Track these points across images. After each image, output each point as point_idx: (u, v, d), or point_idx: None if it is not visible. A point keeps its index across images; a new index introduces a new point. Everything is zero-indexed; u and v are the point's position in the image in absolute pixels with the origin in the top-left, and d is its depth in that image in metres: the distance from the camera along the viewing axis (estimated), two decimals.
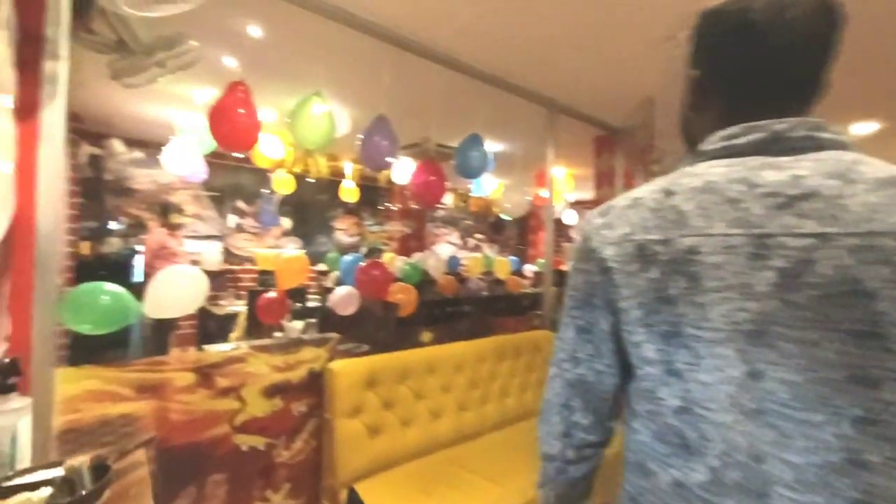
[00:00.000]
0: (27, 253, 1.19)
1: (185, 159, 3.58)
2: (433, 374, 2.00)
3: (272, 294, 2.77)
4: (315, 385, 1.76)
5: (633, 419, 0.57)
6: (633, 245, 0.51)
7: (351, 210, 6.22)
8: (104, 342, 3.72)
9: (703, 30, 0.55)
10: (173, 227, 3.66)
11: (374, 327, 2.62)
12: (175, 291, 1.84)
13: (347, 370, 1.72)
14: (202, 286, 1.93)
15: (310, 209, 5.82)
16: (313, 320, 2.33)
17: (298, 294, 3.17)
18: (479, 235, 7.97)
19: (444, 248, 7.39)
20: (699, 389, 0.48)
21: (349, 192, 5.37)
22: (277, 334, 2.17)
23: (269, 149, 4.10)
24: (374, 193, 6.41)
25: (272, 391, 1.65)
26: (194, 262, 4.74)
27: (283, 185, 4.75)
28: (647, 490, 0.53)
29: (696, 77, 0.57)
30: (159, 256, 3.49)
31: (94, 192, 4.35)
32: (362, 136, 2.04)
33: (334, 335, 2.39)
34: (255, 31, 2.12)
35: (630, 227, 0.52)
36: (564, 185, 5.04)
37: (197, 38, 2.17)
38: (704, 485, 0.47)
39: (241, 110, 1.64)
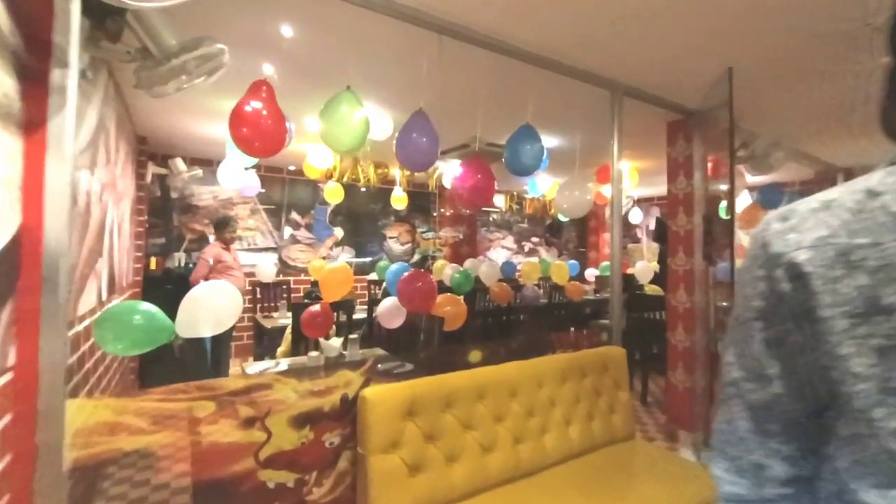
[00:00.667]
0: (34, 272, 1.10)
1: (238, 174, 3.64)
2: (483, 400, 1.74)
3: (316, 307, 2.66)
4: (350, 413, 1.57)
5: (825, 443, 0.50)
6: (834, 249, 0.45)
7: (402, 217, 6.13)
8: (172, 359, 3.85)
9: None
10: (228, 241, 3.71)
11: (421, 343, 2.41)
12: (206, 309, 1.75)
13: (383, 398, 1.51)
14: (235, 303, 1.83)
15: (361, 218, 5.81)
16: (355, 336, 2.17)
17: (346, 306, 3.05)
18: (535, 239, 7.57)
19: (499, 253, 7.09)
20: None
21: (398, 199, 5.27)
22: (313, 353, 2.02)
23: (317, 159, 4.09)
24: (424, 199, 6.29)
25: (301, 420, 1.48)
26: (249, 275, 4.86)
27: (332, 194, 4.74)
28: None
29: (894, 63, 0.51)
30: (215, 270, 3.55)
31: (162, 209, 4.59)
32: (399, 135, 1.84)
33: (373, 354, 2.20)
34: (287, 31, 2.02)
35: (827, 229, 0.46)
36: (629, 180, 4.58)
37: (232, 45, 2.13)
38: None
39: (265, 112, 1.50)
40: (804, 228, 0.48)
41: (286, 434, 1.46)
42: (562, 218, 6.95)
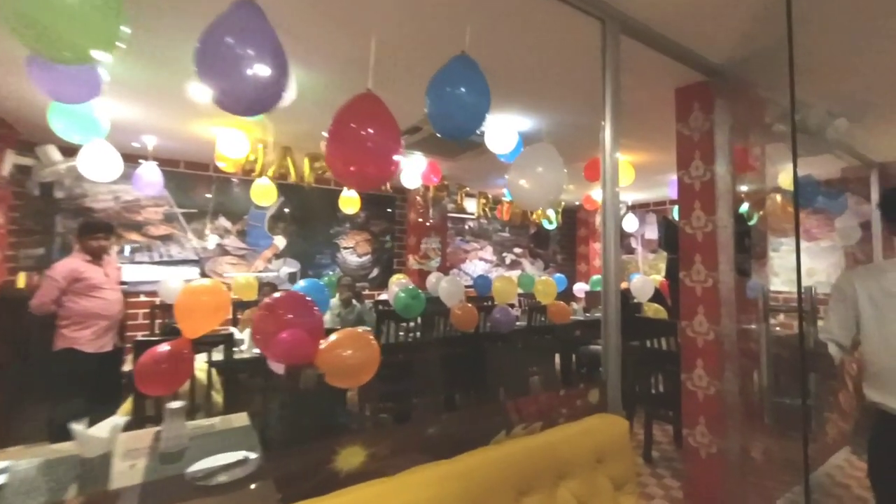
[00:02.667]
0: None
1: (110, 162, 2.75)
2: None
3: (163, 348, 1.75)
4: None
5: None
6: None
7: (360, 224, 5.26)
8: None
9: None
10: (96, 252, 2.80)
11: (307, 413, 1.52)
12: None
13: None
14: None
15: (310, 225, 4.92)
16: (177, 405, 1.28)
17: (219, 344, 2.14)
18: (518, 250, 6.72)
19: (476, 265, 6.22)
20: None
21: (348, 200, 4.41)
22: (68, 446, 1.11)
23: (228, 145, 3.22)
24: (388, 202, 5.42)
25: None
26: (152, 295, 3.93)
27: (262, 195, 3.85)
28: None
29: None
30: (71, 291, 2.63)
31: (43, 213, 3.67)
32: (202, 38, 0.98)
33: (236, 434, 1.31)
34: None
35: None
36: (624, 176, 3.75)
37: None
38: None
39: None
40: None
41: None
42: (547, 225, 6.13)
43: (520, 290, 4.95)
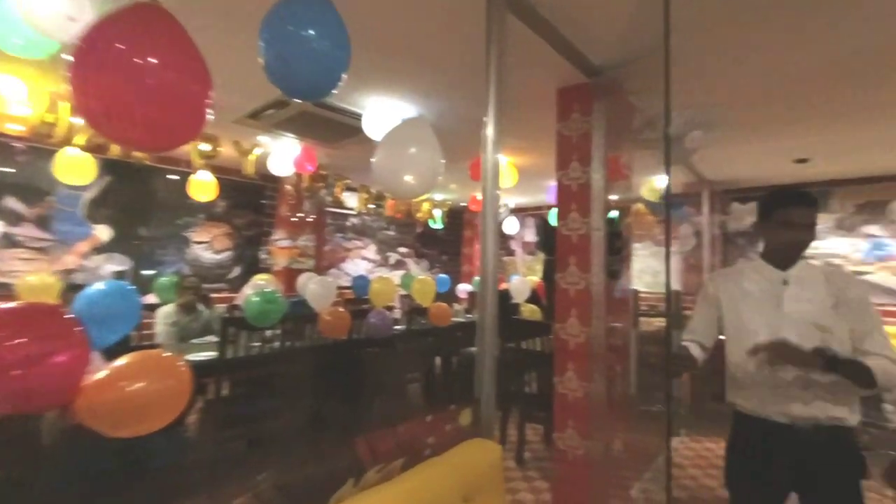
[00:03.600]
0: None
1: None
2: None
3: None
4: None
5: None
6: None
7: (219, 216, 4.48)
8: None
9: None
10: None
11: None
12: None
13: None
14: None
15: (149, 213, 4.02)
16: None
17: None
18: (403, 249, 6.50)
19: (358, 265, 5.83)
20: None
21: (202, 186, 3.69)
22: None
23: (12, 100, 2.38)
24: (254, 192, 4.72)
25: None
26: None
27: (71, 170, 2.98)
28: None
29: None
30: None
31: None
32: None
33: None
34: None
35: None
36: (508, 177, 3.76)
37: None
38: None
39: None
40: None
41: None
42: (433, 225, 6.02)
43: (403, 292, 4.72)
